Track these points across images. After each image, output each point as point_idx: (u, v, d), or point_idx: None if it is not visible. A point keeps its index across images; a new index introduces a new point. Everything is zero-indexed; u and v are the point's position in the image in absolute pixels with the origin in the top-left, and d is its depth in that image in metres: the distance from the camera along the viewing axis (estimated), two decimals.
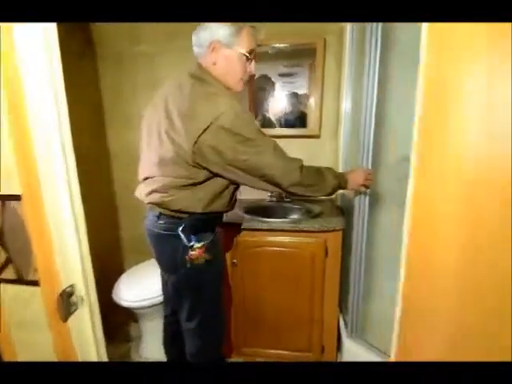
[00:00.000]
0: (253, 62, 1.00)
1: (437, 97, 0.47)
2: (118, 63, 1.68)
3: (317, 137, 1.65)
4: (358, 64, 1.38)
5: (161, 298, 1.40)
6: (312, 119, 1.61)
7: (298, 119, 1.64)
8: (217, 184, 0.98)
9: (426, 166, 0.50)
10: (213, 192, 0.98)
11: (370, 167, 1.20)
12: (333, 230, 1.33)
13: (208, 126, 0.85)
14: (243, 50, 0.95)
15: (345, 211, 1.52)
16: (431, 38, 0.47)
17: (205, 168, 0.92)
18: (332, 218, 1.38)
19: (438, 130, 0.47)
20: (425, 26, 0.48)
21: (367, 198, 1.22)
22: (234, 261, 1.40)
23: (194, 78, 0.94)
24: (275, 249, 1.37)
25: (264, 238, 1.37)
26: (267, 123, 1.65)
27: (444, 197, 0.46)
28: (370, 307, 1.40)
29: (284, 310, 1.44)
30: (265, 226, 1.34)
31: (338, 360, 1.51)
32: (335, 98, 1.60)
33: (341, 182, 1.10)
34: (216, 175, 0.95)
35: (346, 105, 1.48)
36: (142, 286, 1.49)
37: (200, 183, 0.95)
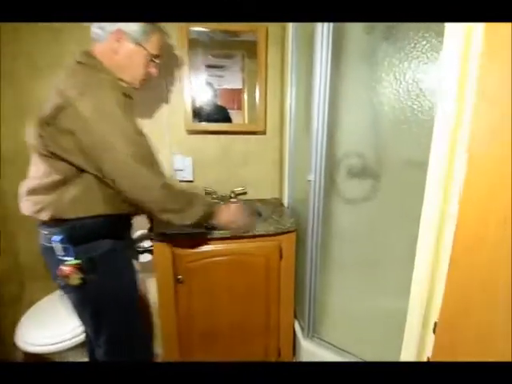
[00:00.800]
0: (155, 65, 1.01)
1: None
2: (14, 40, 1.27)
3: (262, 133, 1.56)
4: (302, 57, 1.33)
5: (82, 337, 1.13)
6: (256, 115, 1.51)
7: (236, 114, 1.52)
8: (89, 179, 0.83)
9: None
10: (87, 189, 0.83)
11: (322, 165, 1.16)
12: (287, 232, 1.26)
13: (61, 106, 0.76)
14: (151, 50, 0.95)
15: (293, 210, 1.48)
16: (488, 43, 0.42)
17: (63, 159, 0.80)
18: (285, 219, 1.32)
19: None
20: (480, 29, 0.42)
21: (321, 193, 1.19)
22: (179, 277, 1.22)
23: (81, 65, 0.85)
24: (227, 258, 1.24)
25: (213, 248, 1.22)
26: (204, 118, 1.49)
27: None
28: (326, 306, 1.40)
29: (239, 321, 1.33)
30: (214, 235, 1.19)
31: (296, 360, 1.47)
32: (278, 92, 1.53)
33: (207, 212, 0.99)
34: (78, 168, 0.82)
35: (291, 100, 1.41)
36: (54, 324, 1.18)
37: (67, 180, 0.82)
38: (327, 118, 1.13)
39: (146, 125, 0.97)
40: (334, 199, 1.37)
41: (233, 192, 1.55)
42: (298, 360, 1.44)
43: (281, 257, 1.28)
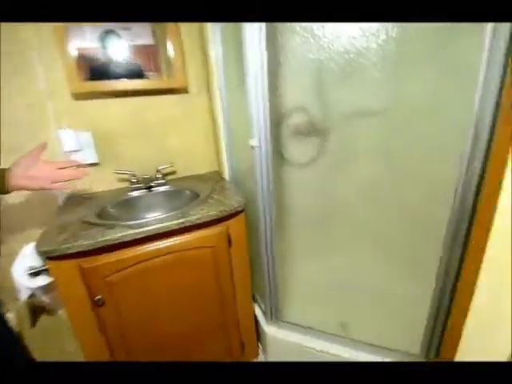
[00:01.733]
0: None
1: None
2: None
3: (183, 91, 1.21)
4: None
5: None
6: (173, 67, 1.15)
7: (151, 68, 1.14)
8: None
9: None
10: None
11: (267, 126, 0.91)
12: (235, 214, 1.01)
13: None
14: None
15: (237, 184, 1.23)
16: None
17: None
18: (230, 198, 1.06)
19: None
20: None
21: (268, 160, 0.95)
22: (98, 298, 0.90)
23: None
24: (162, 259, 0.95)
25: (140, 249, 0.91)
26: (98, 74, 1.07)
27: None
28: (286, 285, 1.24)
29: (192, 324, 1.09)
30: (142, 233, 0.88)
31: (262, 348, 1.33)
32: (197, 39, 1.18)
33: None
34: None
35: (216, 52, 1.09)
36: None
37: None
38: (266, 70, 0.86)
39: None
40: (282, 165, 1.16)
41: (158, 172, 1.22)
42: (265, 348, 1.29)
43: (230, 243, 1.04)
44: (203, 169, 1.36)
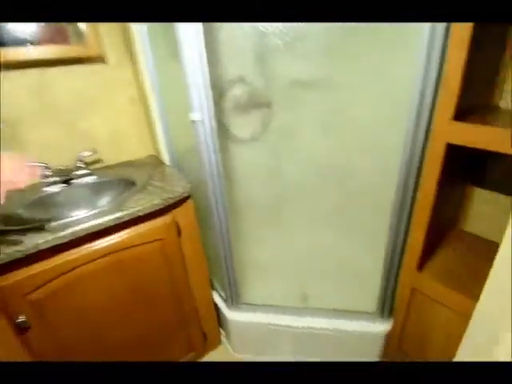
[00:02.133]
0: None
1: None
2: None
3: (100, 60, 1.01)
4: None
5: None
6: (84, 33, 0.93)
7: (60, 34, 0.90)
8: None
9: None
10: None
11: (209, 97, 0.80)
12: (181, 201, 0.90)
13: None
14: None
15: (180, 167, 1.11)
16: None
17: None
18: (173, 183, 0.94)
19: None
20: None
21: (213, 135, 0.85)
22: (21, 320, 0.72)
23: None
24: (101, 262, 0.80)
25: (71, 254, 0.76)
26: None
27: None
28: (245, 266, 1.20)
29: (147, 326, 0.98)
30: (65, 237, 0.72)
31: (225, 335, 1.29)
32: None
33: None
34: None
35: None
36: None
37: None
38: (203, 36, 0.74)
39: None
40: (229, 141, 1.07)
41: (80, 161, 1.02)
42: (228, 334, 1.25)
43: (179, 234, 0.94)
44: (136, 154, 1.19)
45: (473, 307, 0.76)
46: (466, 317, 0.79)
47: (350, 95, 0.97)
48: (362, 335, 1.04)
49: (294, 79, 1.07)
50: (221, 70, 1.02)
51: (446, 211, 0.90)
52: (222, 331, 1.29)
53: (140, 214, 0.81)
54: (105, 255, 0.80)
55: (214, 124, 0.83)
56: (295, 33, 0.92)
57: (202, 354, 1.22)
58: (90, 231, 0.75)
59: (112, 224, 0.78)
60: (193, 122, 0.82)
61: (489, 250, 0.88)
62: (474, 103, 0.71)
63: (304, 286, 1.12)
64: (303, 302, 1.10)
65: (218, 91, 1.03)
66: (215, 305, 1.22)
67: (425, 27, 0.61)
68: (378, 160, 0.90)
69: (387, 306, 0.99)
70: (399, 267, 0.91)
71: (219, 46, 0.98)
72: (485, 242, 0.91)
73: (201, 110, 0.81)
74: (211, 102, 0.81)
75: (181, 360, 1.15)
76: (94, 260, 0.79)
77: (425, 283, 0.85)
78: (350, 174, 1.02)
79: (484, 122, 0.62)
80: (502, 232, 0.87)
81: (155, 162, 1.15)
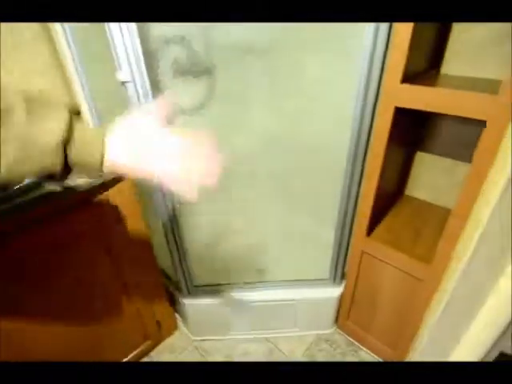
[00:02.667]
0: None
1: None
2: None
3: None
4: None
5: None
6: None
7: None
8: None
9: None
10: None
11: (138, 53, 0.68)
12: (115, 180, 0.78)
13: None
14: None
15: None
16: None
17: None
18: None
19: None
20: None
21: (148, 99, 0.73)
22: None
23: None
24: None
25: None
26: None
27: None
28: (195, 250, 1.13)
29: (92, 328, 0.88)
30: None
31: (182, 320, 1.23)
32: None
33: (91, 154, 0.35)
34: None
35: None
36: None
37: None
38: None
39: None
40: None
41: None
42: (184, 319, 1.20)
43: (119, 220, 0.83)
44: None
45: (414, 265, 0.81)
46: (408, 274, 0.85)
47: (297, 60, 0.91)
48: (318, 301, 1.07)
49: (236, 42, 0.97)
50: (152, 25, 0.88)
51: (393, 177, 0.94)
52: (178, 316, 1.24)
53: (64, 202, 0.68)
54: (24, 251, 0.67)
55: (148, 86, 0.71)
56: None
57: (159, 342, 1.16)
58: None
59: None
60: (121, 83, 0.69)
61: (431, 213, 0.95)
62: (420, 69, 0.71)
63: (258, 261, 1.11)
64: (259, 277, 1.09)
65: (152, 49, 0.88)
66: (169, 291, 1.15)
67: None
68: (329, 125, 0.88)
69: (339, 271, 1.02)
70: (350, 234, 0.93)
71: None
72: (428, 205, 0.98)
73: (130, 69, 0.68)
74: (142, 60, 0.69)
75: (137, 349, 1.07)
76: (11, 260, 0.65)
77: (373, 246, 0.88)
78: (300, 140, 0.99)
79: (429, 84, 0.63)
80: (443, 195, 0.94)
81: None
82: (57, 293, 0.76)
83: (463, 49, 0.71)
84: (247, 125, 1.12)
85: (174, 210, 0.90)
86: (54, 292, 0.76)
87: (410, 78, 0.63)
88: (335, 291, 1.06)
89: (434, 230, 0.87)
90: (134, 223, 0.88)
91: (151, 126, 0.37)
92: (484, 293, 0.56)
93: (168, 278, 1.18)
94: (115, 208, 0.80)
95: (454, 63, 0.75)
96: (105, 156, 0.35)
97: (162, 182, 0.37)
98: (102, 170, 0.36)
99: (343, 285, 1.05)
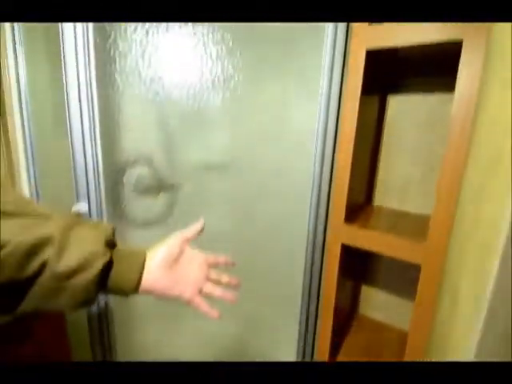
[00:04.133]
0: None
1: None
2: None
3: None
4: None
5: None
6: None
7: None
8: None
9: None
10: None
11: (100, 183, 0.71)
12: None
13: None
14: None
15: None
16: None
17: None
18: None
19: None
20: None
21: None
22: None
23: None
24: None
25: None
26: None
27: None
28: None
29: None
30: None
31: None
32: None
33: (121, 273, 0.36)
34: None
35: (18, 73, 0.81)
36: None
37: None
38: (97, 112, 0.69)
39: None
40: (124, 226, 0.95)
41: None
42: None
43: None
44: None
45: None
46: None
47: (255, 180, 0.99)
48: None
49: (198, 161, 1.05)
50: (120, 147, 0.94)
51: (345, 301, 0.92)
52: None
53: None
54: None
55: (105, 213, 0.73)
56: (198, 114, 0.93)
57: None
58: None
59: None
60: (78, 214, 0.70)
61: (384, 331, 0.91)
62: (359, 202, 0.78)
63: None
64: None
65: (116, 172, 0.93)
66: None
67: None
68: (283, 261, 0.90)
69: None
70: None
71: (118, 120, 0.91)
72: (382, 325, 0.94)
73: (88, 199, 0.70)
74: (103, 189, 0.72)
75: None
76: None
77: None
78: (260, 255, 1.00)
79: (364, 224, 0.66)
80: (398, 319, 0.91)
81: None
82: None
83: (392, 184, 0.79)
84: (205, 237, 1.12)
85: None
86: None
87: (352, 214, 0.68)
88: None
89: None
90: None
91: (185, 250, 0.42)
92: None
93: None
94: None
95: (385, 196, 0.80)
96: (141, 283, 0.37)
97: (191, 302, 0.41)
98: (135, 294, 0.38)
99: None
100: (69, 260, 0.30)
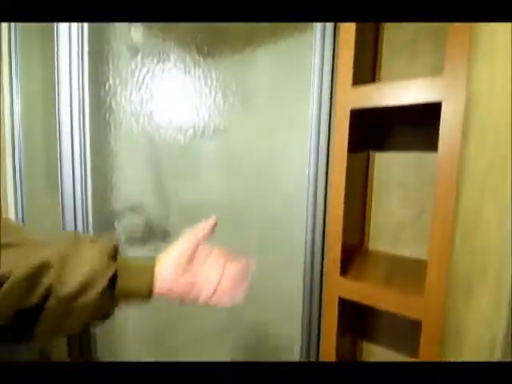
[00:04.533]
0: None
1: None
2: None
3: None
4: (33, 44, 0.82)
5: None
6: None
7: None
8: None
9: None
10: None
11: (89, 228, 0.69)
12: None
13: None
14: None
15: None
16: None
17: None
18: None
19: None
20: None
21: None
22: None
23: None
24: None
25: None
26: None
27: None
28: None
29: None
30: None
31: None
32: None
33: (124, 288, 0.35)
34: None
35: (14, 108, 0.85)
36: None
37: None
38: (89, 160, 0.70)
39: None
40: None
41: None
42: None
43: None
44: None
45: None
46: None
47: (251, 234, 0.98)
48: None
49: (191, 206, 1.04)
50: (112, 197, 0.93)
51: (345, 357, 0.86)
52: None
53: None
54: None
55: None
56: (189, 159, 0.94)
57: None
58: None
59: None
60: None
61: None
62: (352, 248, 0.76)
63: None
64: None
65: (107, 222, 0.92)
66: None
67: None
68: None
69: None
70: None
71: (112, 169, 0.92)
72: None
73: None
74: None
75: None
76: None
77: None
78: (256, 308, 0.95)
79: (357, 277, 0.65)
80: None
81: None
82: None
83: (384, 227, 0.78)
84: None
85: None
86: None
87: (344, 266, 0.66)
88: None
89: None
90: None
91: (198, 250, 0.41)
92: None
93: None
94: None
95: (378, 240, 0.79)
96: (153, 288, 0.36)
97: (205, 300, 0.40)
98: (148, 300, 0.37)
99: None
100: (70, 282, 0.31)
